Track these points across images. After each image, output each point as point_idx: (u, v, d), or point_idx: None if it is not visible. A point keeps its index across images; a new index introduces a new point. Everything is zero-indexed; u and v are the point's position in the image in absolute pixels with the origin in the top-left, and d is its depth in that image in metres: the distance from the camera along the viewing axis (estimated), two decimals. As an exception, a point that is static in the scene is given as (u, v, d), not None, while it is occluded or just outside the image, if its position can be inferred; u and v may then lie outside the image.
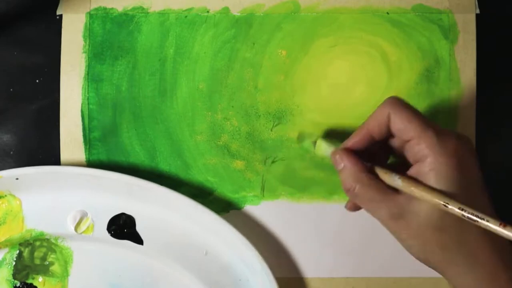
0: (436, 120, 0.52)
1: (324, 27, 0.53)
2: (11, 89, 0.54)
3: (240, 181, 0.53)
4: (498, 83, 0.54)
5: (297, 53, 0.53)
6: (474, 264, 0.39)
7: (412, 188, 0.39)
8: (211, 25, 0.53)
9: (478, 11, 0.52)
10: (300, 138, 0.52)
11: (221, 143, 0.53)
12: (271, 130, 0.53)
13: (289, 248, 0.53)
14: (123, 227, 0.53)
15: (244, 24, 0.53)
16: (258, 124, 0.53)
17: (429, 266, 0.41)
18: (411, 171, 0.41)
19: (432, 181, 0.39)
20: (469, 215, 0.37)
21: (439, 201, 0.38)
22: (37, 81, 0.54)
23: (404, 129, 0.41)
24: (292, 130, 0.53)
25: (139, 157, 0.53)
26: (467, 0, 0.52)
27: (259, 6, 0.53)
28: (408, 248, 0.42)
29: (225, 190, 0.54)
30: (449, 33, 0.52)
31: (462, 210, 0.37)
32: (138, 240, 0.53)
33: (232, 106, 0.53)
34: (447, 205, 0.37)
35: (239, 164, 0.53)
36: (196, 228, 0.52)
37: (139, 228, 0.53)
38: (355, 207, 0.46)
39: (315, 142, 0.49)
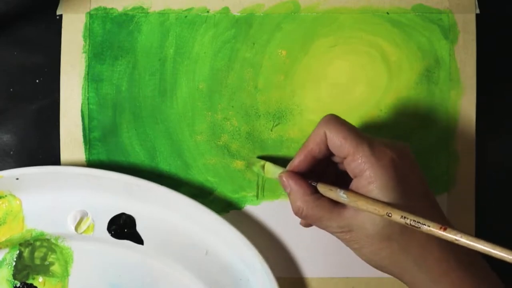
0: (436, 120, 0.52)
1: (324, 27, 0.53)
2: (11, 89, 0.54)
3: (240, 181, 0.53)
4: (498, 83, 0.54)
5: (297, 53, 0.53)
6: (424, 267, 0.41)
7: (357, 202, 0.41)
8: (211, 25, 0.53)
9: (478, 11, 0.52)
10: (250, 164, 0.53)
11: (221, 143, 0.53)
12: (271, 130, 0.53)
13: (289, 248, 0.53)
14: (123, 227, 0.53)
15: (244, 24, 0.53)
16: (258, 124, 0.53)
17: (384, 272, 0.43)
18: (352, 186, 0.42)
19: (373, 193, 0.40)
20: (411, 222, 0.38)
21: (383, 211, 0.39)
22: (37, 81, 0.54)
23: (340, 146, 0.42)
24: (292, 130, 0.53)
25: (139, 157, 0.53)
26: (467, 0, 0.52)
27: (259, 6, 0.53)
28: (362, 257, 0.43)
29: (225, 190, 0.54)
30: (449, 33, 0.52)
31: (404, 218, 0.38)
32: (138, 240, 0.53)
33: (232, 106, 0.53)
34: (390, 214, 0.39)
35: (239, 164, 0.53)
36: (196, 228, 0.52)
37: (139, 228, 0.53)
38: (307, 224, 0.48)
39: (263, 166, 0.50)
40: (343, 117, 0.52)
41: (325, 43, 0.53)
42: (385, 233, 0.41)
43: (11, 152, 0.54)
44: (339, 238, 0.44)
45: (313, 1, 0.53)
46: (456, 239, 0.36)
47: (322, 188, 0.44)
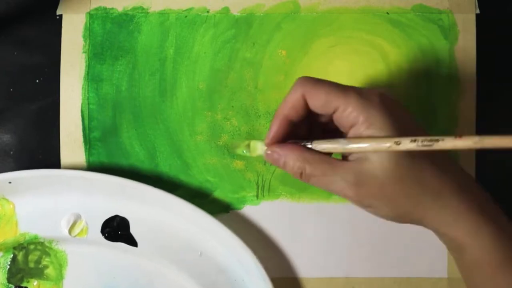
0: (436, 120, 0.52)
1: (324, 27, 0.53)
2: (11, 89, 0.54)
3: (240, 181, 0.53)
4: (498, 83, 0.54)
5: (297, 53, 0.53)
6: (442, 201, 0.39)
7: (362, 143, 0.38)
8: (211, 25, 0.53)
9: (478, 11, 0.52)
10: (233, 146, 0.52)
11: (221, 143, 0.53)
12: (271, 130, 0.53)
13: (289, 248, 0.53)
14: (117, 229, 0.52)
15: (244, 24, 0.53)
16: (258, 124, 0.53)
17: (405, 222, 0.41)
18: (350, 135, 0.40)
19: (373, 134, 0.38)
20: (424, 143, 0.35)
21: (391, 142, 0.36)
22: (37, 81, 0.54)
23: (325, 102, 0.39)
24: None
25: (139, 157, 0.53)
26: (467, 0, 0.53)
27: (259, 6, 0.53)
28: (376, 212, 0.40)
29: (225, 190, 0.53)
30: (449, 33, 0.52)
31: (414, 141, 0.35)
32: (132, 242, 0.52)
33: (232, 106, 0.53)
34: (399, 143, 0.36)
35: (239, 164, 0.53)
36: (191, 229, 0.52)
37: (133, 230, 0.52)
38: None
39: (248, 145, 0.45)
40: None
41: (325, 43, 0.53)
42: (395, 176, 0.38)
43: (11, 152, 0.54)
44: (346, 198, 0.40)
45: (313, 1, 0.53)
46: (477, 141, 0.33)
47: (319, 144, 0.40)
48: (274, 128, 0.41)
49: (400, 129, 0.38)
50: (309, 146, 0.41)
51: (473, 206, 0.39)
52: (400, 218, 0.40)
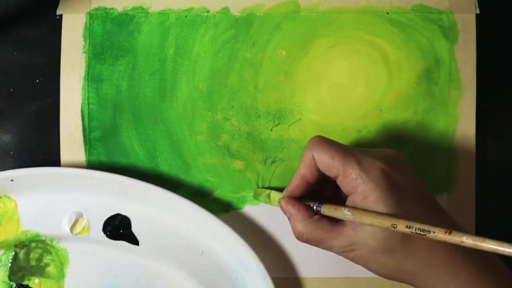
0: (436, 120, 0.52)
1: (324, 27, 0.53)
2: (11, 89, 0.54)
3: (240, 181, 0.53)
4: (498, 83, 0.54)
5: (297, 53, 0.53)
6: (432, 272, 0.41)
7: (362, 218, 0.40)
8: (211, 25, 0.53)
9: (478, 11, 0.52)
10: (256, 194, 0.53)
11: (221, 143, 0.53)
12: (271, 130, 0.53)
13: (289, 248, 0.53)
14: (118, 228, 0.52)
15: (244, 24, 0.53)
16: (258, 124, 0.53)
17: (396, 281, 0.43)
18: (348, 203, 0.43)
19: (368, 208, 0.41)
20: (417, 231, 0.37)
21: (387, 223, 0.39)
22: (37, 81, 0.54)
23: (329, 167, 0.43)
24: (292, 130, 0.53)
25: (139, 157, 0.53)
26: (467, 0, 0.52)
27: (259, 6, 0.53)
28: (370, 270, 0.43)
29: (225, 190, 0.53)
30: (449, 33, 0.52)
31: (409, 227, 0.38)
32: (133, 240, 0.52)
33: (232, 106, 0.53)
34: (395, 226, 0.38)
35: (239, 164, 0.53)
36: (192, 228, 0.52)
37: (135, 229, 0.52)
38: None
39: (268, 195, 0.51)
40: (343, 117, 0.52)
41: (325, 43, 0.53)
42: (387, 246, 0.41)
43: (11, 152, 0.54)
44: (344, 257, 0.44)
45: (313, 1, 0.53)
46: (462, 241, 0.35)
47: (327, 209, 0.44)
48: (292, 185, 0.46)
49: (401, 201, 0.41)
50: (316, 208, 0.45)
51: (464, 274, 0.41)
52: (390, 278, 0.43)
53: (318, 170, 0.44)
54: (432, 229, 0.37)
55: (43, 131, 0.54)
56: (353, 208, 0.42)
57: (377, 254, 0.41)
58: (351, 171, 0.41)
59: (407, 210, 0.40)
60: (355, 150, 0.43)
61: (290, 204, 0.45)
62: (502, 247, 0.33)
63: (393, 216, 0.39)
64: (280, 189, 0.50)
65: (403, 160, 0.44)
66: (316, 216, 0.44)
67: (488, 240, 0.34)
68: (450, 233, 0.36)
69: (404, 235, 0.40)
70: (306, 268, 0.53)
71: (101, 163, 0.53)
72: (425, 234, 0.37)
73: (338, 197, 0.45)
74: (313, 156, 0.43)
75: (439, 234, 0.36)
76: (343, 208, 0.42)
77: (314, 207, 0.45)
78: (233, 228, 0.51)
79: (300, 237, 0.44)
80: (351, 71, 0.53)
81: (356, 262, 0.43)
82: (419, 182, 0.43)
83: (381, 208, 0.40)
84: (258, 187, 0.53)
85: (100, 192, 0.52)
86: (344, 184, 0.42)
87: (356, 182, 0.41)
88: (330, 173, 0.43)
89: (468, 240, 0.35)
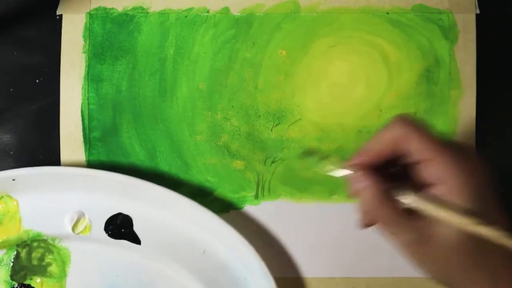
0: (436, 120, 0.52)
1: (324, 27, 0.53)
2: (11, 89, 0.54)
3: (240, 181, 0.53)
4: (498, 83, 0.54)
5: (297, 53, 0.53)
6: (498, 284, 0.38)
7: (443, 213, 0.37)
8: (211, 25, 0.53)
9: (478, 11, 0.52)
10: (304, 153, 0.50)
11: (221, 143, 0.53)
12: (271, 130, 0.53)
13: (289, 248, 0.53)
14: (120, 227, 0.53)
15: (244, 24, 0.53)
16: (258, 124, 0.53)
17: (448, 286, 0.40)
18: (430, 193, 0.39)
19: (455, 202, 0.37)
20: (503, 238, 0.35)
21: (470, 222, 0.36)
22: (37, 81, 0.54)
23: (422, 149, 0.38)
24: (292, 130, 0.53)
25: (139, 157, 0.53)
26: (467, 0, 0.52)
27: (259, 6, 0.53)
28: (428, 272, 0.40)
29: (225, 190, 0.54)
30: (449, 33, 0.52)
31: (492, 231, 0.35)
32: (135, 240, 0.53)
33: (232, 106, 0.53)
34: (478, 225, 0.36)
35: (239, 164, 0.53)
36: (194, 228, 0.52)
37: (137, 228, 0.53)
38: (369, 225, 0.43)
39: (323, 159, 0.43)
40: (343, 117, 0.52)
41: (325, 43, 0.53)
42: (462, 248, 0.37)
43: (11, 152, 0.54)
44: (404, 251, 0.39)
45: (313, 1, 0.53)
46: None
47: (398, 193, 0.39)
48: (364, 155, 0.40)
49: (483, 204, 0.37)
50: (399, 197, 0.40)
51: None
52: (445, 282, 0.40)
53: (399, 148, 0.39)
54: None
55: (43, 131, 0.54)
56: (434, 199, 0.37)
57: (448, 254, 0.37)
58: (447, 160, 0.37)
59: (488, 214, 0.37)
60: (451, 141, 0.39)
61: (369, 175, 0.39)
62: None
63: (480, 219, 0.36)
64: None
65: (488, 166, 0.40)
66: (392, 197, 0.39)
67: None
68: None
69: (482, 241, 0.36)
70: (306, 268, 0.53)
71: (101, 163, 0.53)
72: (505, 242, 0.35)
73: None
74: (405, 134, 0.38)
75: None
76: (427, 202, 0.38)
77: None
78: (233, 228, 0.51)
79: (372, 214, 0.40)
80: (351, 71, 0.53)
81: (417, 259, 0.39)
82: (495, 191, 0.40)
83: (467, 204, 0.36)
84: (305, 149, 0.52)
85: (102, 192, 0.52)
86: (431, 172, 0.38)
87: (449, 173, 0.37)
88: (420, 155, 0.38)
89: None
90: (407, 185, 0.39)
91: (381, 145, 0.39)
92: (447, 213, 0.37)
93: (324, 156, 0.43)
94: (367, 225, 0.42)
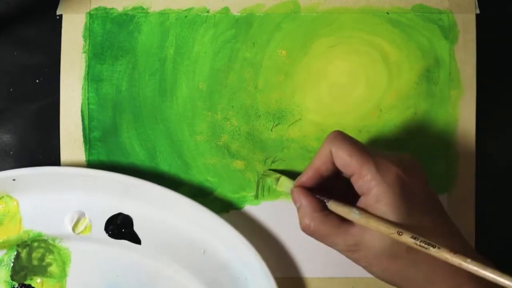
0: (436, 120, 0.52)
1: (324, 27, 0.53)
2: (11, 89, 0.54)
3: (240, 181, 0.53)
4: (498, 83, 0.54)
5: (297, 53, 0.53)
6: (435, 282, 0.41)
7: (368, 221, 0.40)
8: (211, 25, 0.53)
9: (478, 11, 0.52)
10: (265, 174, 0.53)
11: (221, 143, 0.53)
12: (271, 130, 0.53)
13: (289, 248, 0.53)
14: (120, 227, 0.53)
15: (244, 24, 0.53)
16: (258, 124, 0.53)
17: (395, 286, 0.43)
18: (360, 203, 0.42)
19: (380, 211, 0.40)
20: (421, 244, 0.37)
21: (393, 231, 0.39)
22: (37, 81, 0.54)
23: (345, 164, 0.42)
24: (292, 130, 0.53)
25: (139, 157, 0.53)
26: (467, 0, 0.52)
27: (259, 6, 0.53)
28: (370, 273, 0.43)
29: (225, 190, 0.54)
30: (449, 33, 0.52)
31: (415, 238, 0.38)
32: (136, 239, 0.53)
33: (232, 106, 0.53)
34: (400, 233, 0.38)
35: (239, 164, 0.53)
36: (194, 227, 0.52)
37: (137, 228, 0.53)
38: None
39: (278, 179, 0.50)
40: (343, 117, 0.52)
41: (325, 43, 0.53)
42: (392, 251, 0.40)
43: (11, 152, 0.54)
44: (346, 257, 0.43)
45: (313, 1, 0.53)
46: (460, 264, 0.35)
47: (334, 205, 0.43)
48: (305, 176, 0.45)
49: (411, 210, 0.40)
50: (326, 203, 0.44)
51: None
52: (392, 283, 0.43)
53: (334, 165, 0.43)
54: (437, 245, 0.37)
55: (43, 131, 0.54)
56: (362, 209, 0.41)
57: (381, 258, 0.41)
58: (367, 172, 0.41)
59: (417, 219, 0.40)
60: (373, 151, 0.42)
61: (302, 195, 0.44)
62: (503, 278, 0.33)
63: (401, 225, 0.39)
64: (289, 175, 0.50)
65: (420, 167, 0.43)
66: (326, 211, 0.44)
67: (489, 269, 0.34)
68: (454, 253, 0.36)
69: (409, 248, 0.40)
70: (306, 268, 0.53)
71: (101, 163, 0.53)
72: (429, 249, 0.37)
73: (349, 195, 0.44)
74: (330, 151, 0.43)
75: (443, 252, 0.36)
76: (351, 207, 0.42)
77: (325, 202, 0.44)
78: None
79: (307, 229, 0.44)
80: (351, 71, 0.53)
81: (358, 263, 0.43)
82: (432, 193, 0.43)
83: (392, 213, 0.40)
84: (268, 170, 0.53)
85: (102, 191, 0.52)
86: (358, 184, 0.42)
87: (371, 184, 0.41)
88: (346, 170, 0.43)
89: (469, 266, 0.35)
90: (344, 198, 0.44)
91: (320, 162, 0.44)
92: (376, 223, 0.40)
93: (277, 178, 0.50)
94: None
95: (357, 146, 0.42)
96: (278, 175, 0.51)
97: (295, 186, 0.46)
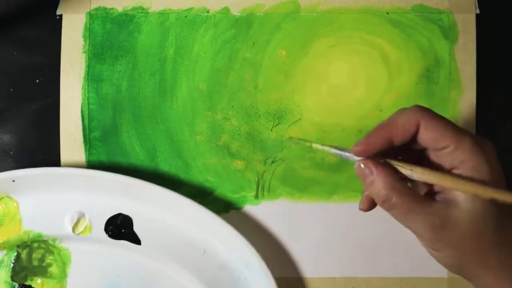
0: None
1: (324, 27, 0.53)
2: (11, 89, 0.54)
3: (240, 181, 0.53)
4: (498, 83, 0.54)
5: (297, 53, 0.53)
6: (511, 267, 0.38)
7: (462, 184, 0.37)
8: (211, 25, 0.53)
9: (478, 11, 0.52)
10: (291, 141, 0.52)
11: (221, 143, 0.53)
12: (271, 130, 0.53)
13: (289, 248, 0.53)
14: (120, 227, 0.53)
15: (244, 24, 0.53)
16: (258, 124, 0.53)
17: (460, 274, 0.40)
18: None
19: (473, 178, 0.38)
20: None
21: (488, 189, 0.36)
22: (37, 81, 0.54)
23: (439, 136, 0.39)
24: (292, 130, 0.53)
25: (139, 157, 0.53)
26: (467, 0, 0.52)
27: (259, 6, 0.53)
28: (441, 258, 0.40)
29: (225, 190, 0.53)
30: (449, 33, 0.52)
31: (509, 196, 0.36)
32: (135, 240, 0.53)
33: (232, 106, 0.53)
34: (495, 191, 0.36)
35: (239, 164, 0.53)
36: (194, 227, 0.52)
37: (137, 228, 0.53)
38: (370, 207, 0.42)
39: (310, 147, 0.44)
40: (343, 117, 0.52)
41: (325, 43, 0.53)
42: (478, 229, 0.37)
43: (11, 152, 0.54)
44: (421, 237, 0.39)
45: (313, 1, 0.53)
46: None
47: (426, 173, 0.39)
48: (370, 142, 0.40)
49: (498, 183, 0.38)
50: (406, 171, 0.39)
51: None
52: (458, 269, 0.40)
53: (411, 137, 0.39)
54: None
55: (43, 131, 0.54)
56: (451, 174, 0.38)
57: (465, 237, 0.38)
58: (466, 144, 0.38)
59: (502, 187, 0.38)
60: (462, 128, 0.40)
61: (374, 164, 0.39)
62: None
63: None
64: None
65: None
66: (405, 182, 0.39)
67: None
68: None
69: (500, 222, 0.37)
70: (306, 268, 0.53)
71: (101, 163, 0.53)
72: None
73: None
74: (417, 123, 0.39)
75: None
76: (444, 174, 0.38)
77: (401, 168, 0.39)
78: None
79: (387, 201, 0.39)
80: (351, 71, 0.53)
81: (433, 245, 0.39)
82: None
83: (490, 184, 0.37)
84: (291, 137, 0.53)
85: (102, 192, 0.52)
86: (451, 157, 0.38)
87: (469, 155, 0.38)
88: (437, 143, 0.39)
89: None
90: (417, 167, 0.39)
91: (397, 131, 0.39)
92: (470, 184, 0.37)
93: (310, 145, 0.43)
94: (367, 208, 0.42)
95: (448, 120, 0.40)
96: (308, 143, 0.43)
97: (357, 151, 0.40)
